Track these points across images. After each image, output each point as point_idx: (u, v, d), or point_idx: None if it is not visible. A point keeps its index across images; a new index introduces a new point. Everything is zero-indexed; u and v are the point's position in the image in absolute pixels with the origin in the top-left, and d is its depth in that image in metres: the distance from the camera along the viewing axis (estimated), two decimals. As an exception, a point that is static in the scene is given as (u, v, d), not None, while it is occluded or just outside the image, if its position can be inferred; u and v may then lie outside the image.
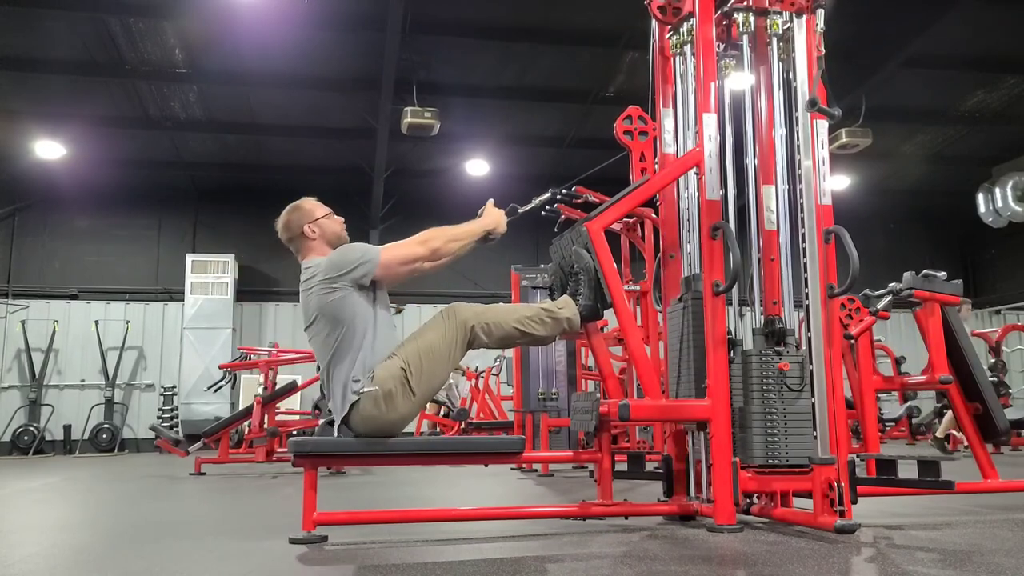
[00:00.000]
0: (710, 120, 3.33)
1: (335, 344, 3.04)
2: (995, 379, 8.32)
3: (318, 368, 3.23)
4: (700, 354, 3.23)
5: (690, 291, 3.40)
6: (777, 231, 3.41)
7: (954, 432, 8.10)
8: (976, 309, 15.55)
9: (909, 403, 10.11)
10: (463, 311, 3.15)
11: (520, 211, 3.54)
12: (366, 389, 2.96)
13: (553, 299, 3.48)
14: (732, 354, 3.24)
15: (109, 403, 12.50)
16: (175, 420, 12.31)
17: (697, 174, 3.42)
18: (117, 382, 12.71)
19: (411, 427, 3.21)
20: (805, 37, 3.36)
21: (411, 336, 3.13)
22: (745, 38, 3.47)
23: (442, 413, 10.72)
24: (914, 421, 10.33)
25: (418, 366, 3.02)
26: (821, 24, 3.34)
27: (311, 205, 3.28)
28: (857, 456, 3.48)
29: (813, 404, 3.12)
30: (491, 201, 3.40)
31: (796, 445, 3.16)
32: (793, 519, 3.10)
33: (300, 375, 10.02)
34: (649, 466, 3.98)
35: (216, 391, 9.80)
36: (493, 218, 3.32)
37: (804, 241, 3.22)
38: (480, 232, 3.29)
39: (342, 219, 3.32)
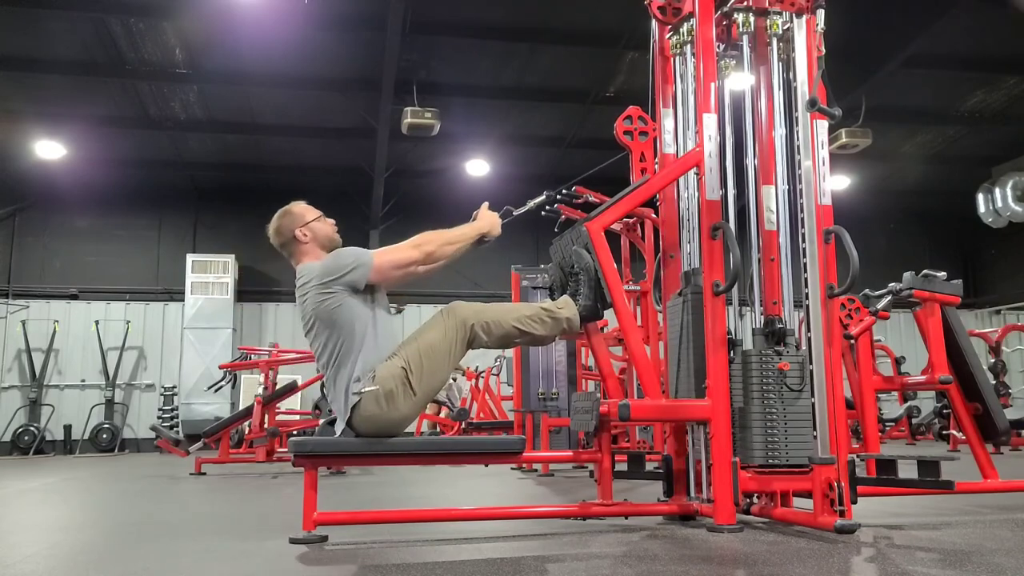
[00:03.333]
0: (710, 120, 3.33)
1: (335, 349, 3.04)
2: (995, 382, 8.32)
3: (319, 368, 3.23)
4: (700, 349, 3.23)
5: (690, 285, 3.41)
6: (777, 231, 3.41)
7: (954, 432, 8.11)
8: (976, 309, 15.56)
9: (909, 403, 10.12)
10: (463, 310, 3.15)
11: (515, 213, 3.54)
12: (367, 388, 2.96)
13: (553, 299, 3.48)
14: (732, 354, 3.24)
15: (109, 403, 12.50)
16: (175, 420, 12.32)
17: (697, 174, 3.42)
18: (117, 382, 12.71)
19: (411, 427, 3.20)
20: (805, 37, 3.36)
21: (411, 336, 3.13)
22: (745, 38, 3.47)
23: (443, 413, 10.72)
24: (914, 421, 10.33)
25: (419, 365, 3.02)
26: (821, 24, 3.34)
27: (301, 209, 3.26)
28: (857, 456, 3.49)
29: (813, 404, 3.12)
30: (485, 204, 3.40)
31: (796, 445, 3.16)
32: (793, 519, 3.10)
33: (300, 375, 10.02)
34: (649, 466, 3.98)
35: (216, 391, 9.79)
36: (487, 221, 3.32)
37: (804, 241, 3.22)
38: (475, 235, 3.28)
39: (333, 221, 3.30)
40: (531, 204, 3.73)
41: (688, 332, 3.33)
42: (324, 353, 3.09)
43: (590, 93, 10.62)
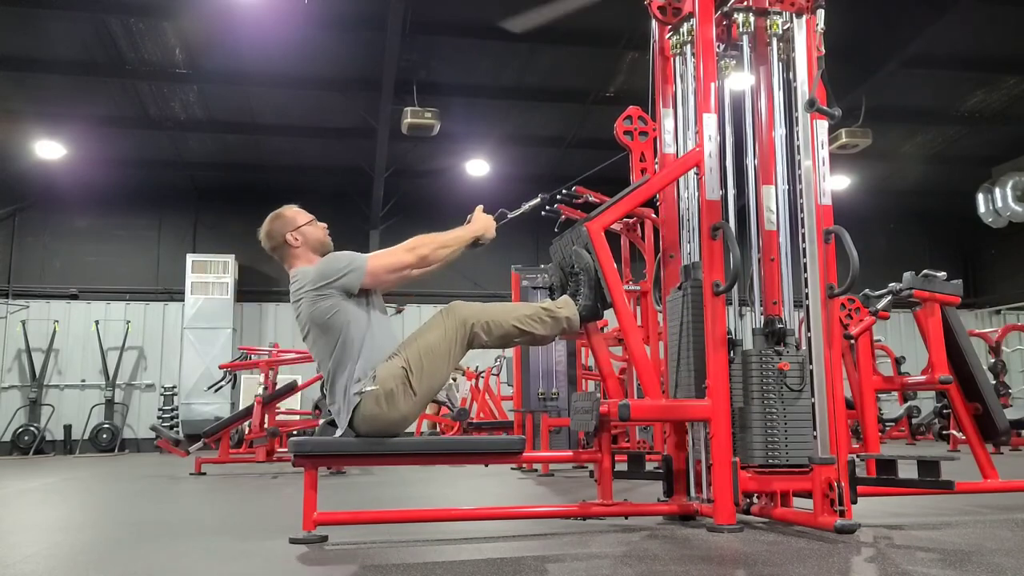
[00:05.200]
0: (710, 120, 3.33)
1: (333, 352, 3.04)
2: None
3: (318, 371, 3.23)
4: (700, 344, 3.23)
5: (689, 280, 3.40)
6: (777, 231, 3.41)
7: (954, 432, 8.11)
8: (976, 309, 15.56)
9: (909, 403, 10.12)
10: (463, 310, 3.14)
11: (509, 216, 3.53)
12: (368, 389, 2.96)
13: (553, 299, 3.48)
14: (732, 354, 3.24)
15: (109, 403, 12.51)
16: (175, 420, 12.32)
17: (697, 174, 3.42)
18: (117, 382, 12.72)
19: (411, 427, 3.20)
20: (805, 37, 3.36)
21: (411, 336, 3.13)
22: (745, 38, 3.47)
23: (443, 413, 10.72)
24: (914, 421, 10.33)
25: (419, 365, 3.02)
26: (821, 24, 3.35)
27: (292, 212, 3.25)
28: (857, 456, 3.48)
29: (813, 404, 3.12)
30: (480, 207, 3.39)
31: (796, 445, 3.16)
32: (793, 519, 3.10)
33: (300, 375, 10.02)
34: (649, 466, 3.98)
35: (216, 391, 9.80)
36: (482, 224, 3.31)
37: (804, 241, 3.22)
38: (469, 238, 3.27)
39: (325, 225, 3.28)
40: (526, 207, 3.71)
41: (688, 328, 3.33)
42: (322, 357, 3.09)
43: (590, 93, 10.62)
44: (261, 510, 4.38)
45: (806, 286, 3.19)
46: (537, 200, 3.78)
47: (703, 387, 3.17)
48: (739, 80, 3.58)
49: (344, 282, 3.03)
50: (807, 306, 3.19)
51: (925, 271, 4.12)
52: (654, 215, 4.73)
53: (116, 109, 10.69)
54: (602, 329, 3.61)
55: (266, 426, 7.46)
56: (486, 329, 3.13)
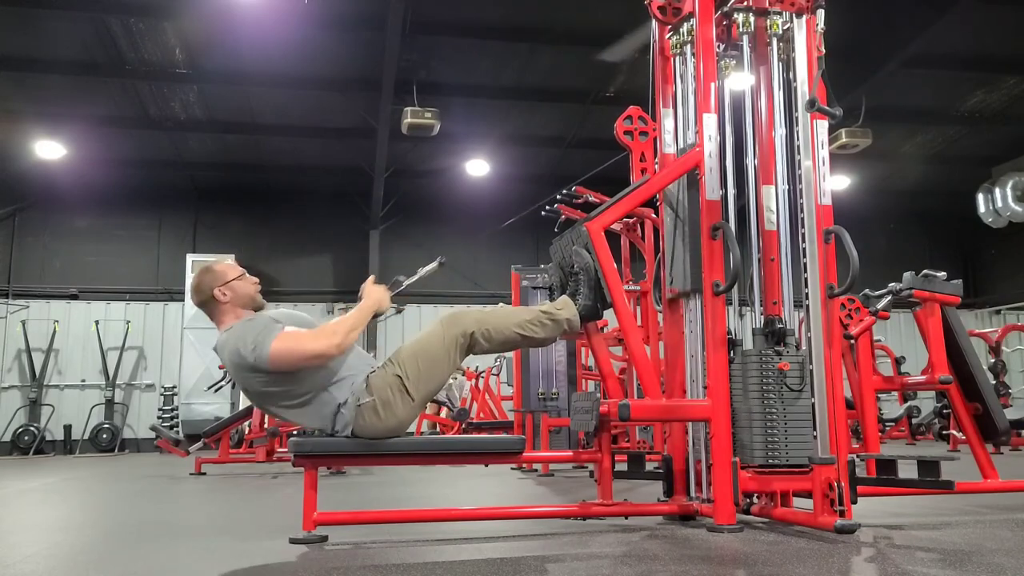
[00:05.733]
0: (710, 120, 3.33)
1: (304, 395, 2.96)
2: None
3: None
4: (695, 234, 3.27)
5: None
6: (777, 231, 3.41)
7: (954, 432, 8.11)
8: (976, 309, 15.56)
9: (909, 403, 10.12)
10: (463, 318, 3.13)
11: (404, 283, 3.43)
12: (363, 401, 2.95)
13: (553, 299, 3.48)
14: (732, 354, 3.24)
15: (109, 403, 12.51)
16: (175, 420, 12.31)
17: (697, 174, 3.42)
18: (117, 382, 12.71)
19: (411, 427, 3.20)
20: (805, 37, 3.36)
21: (408, 343, 3.12)
22: (745, 38, 3.47)
23: (443, 414, 10.72)
24: (914, 421, 10.33)
25: (415, 371, 3.01)
26: (821, 24, 3.35)
27: (222, 267, 3.13)
28: (857, 456, 3.49)
29: (813, 404, 3.12)
30: (371, 278, 3.25)
31: (796, 445, 3.16)
32: (793, 519, 3.10)
33: (300, 375, 10.01)
34: (649, 466, 3.98)
35: (216, 391, 9.80)
36: (374, 298, 3.14)
37: (804, 241, 3.22)
38: (370, 313, 3.12)
39: (256, 280, 3.16)
40: (422, 272, 3.53)
41: (685, 220, 3.36)
42: (302, 409, 2.99)
43: (590, 93, 10.62)
44: (261, 510, 4.38)
45: (806, 286, 3.19)
46: (434, 264, 3.61)
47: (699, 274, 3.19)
48: (739, 80, 3.58)
49: (255, 364, 2.88)
50: (807, 306, 3.19)
51: (925, 271, 4.12)
52: (654, 215, 4.73)
53: (116, 109, 10.69)
54: (602, 329, 3.61)
55: (266, 426, 7.46)
56: (487, 336, 3.12)
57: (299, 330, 3.00)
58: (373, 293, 3.17)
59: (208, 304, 3.09)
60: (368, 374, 3.02)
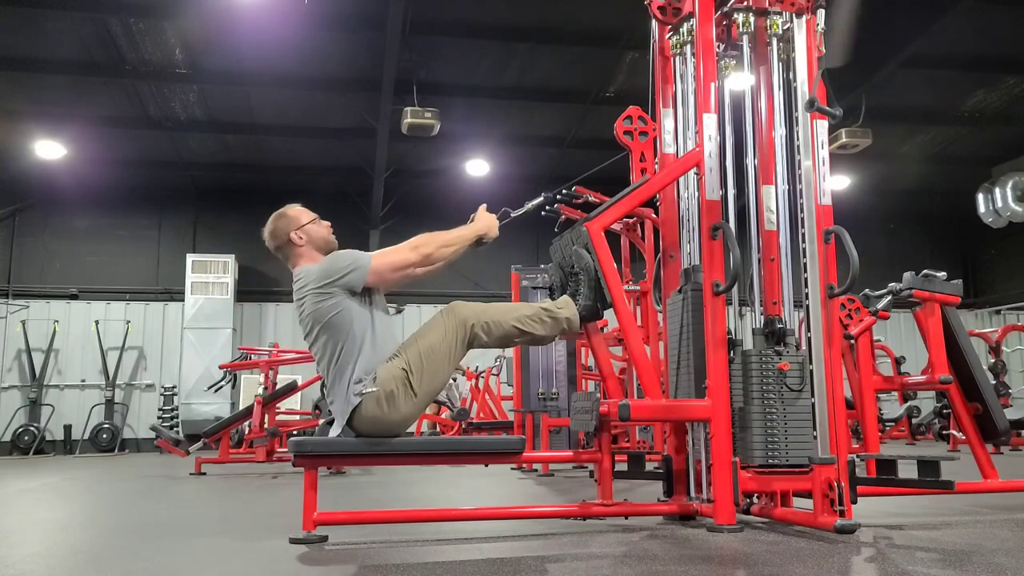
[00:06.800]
0: (710, 120, 3.33)
1: (335, 352, 3.04)
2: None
3: (319, 371, 3.23)
4: (700, 347, 3.23)
5: (689, 283, 3.41)
6: (777, 231, 3.41)
7: (954, 432, 8.11)
8: (976, 309, 15.57)
9: (909, 403, 10.12)
10: (463, 310, 3.15)
11: (513, 215, 3.55)
12: (368, 390, 2.96)
13: (553, 299, 3.48)
14: (732, 354, 3.24)
15: (109, 403, 12.50)
16: (175, 420, 12.32)
17: (697, 174, 3.43)
18: (117, 382, 12.71)
19: (411, 427, 3.20)
20: (805, 37, 3.36)
21: (412, 337, 3.13)
22: (745, 38, 3.47)
23: (443, 414, 10.72)
24: (914, 421, 10.34)
25: (419, 366, 3.02)
26: (821, 24, 3.35)
27: (296, 212, 3.26)
28: (857, 456, 3.48)
29: (813, 404, 3.13)
30: (483, 206, 3.40)
31: (796, 445, 3.17)
32: (793, 519, 3.10)
33: (300, 375, 10.03)
34: (649, 466, 3.98)
35: (216, 391, 9.80)
36: (485, 223, 3.32)
37: (804, 241, 3.22)
38: (472, 237, 3.28)
39: (329, 224, 3.29)
40: (529, 206, 3.73)
41: (688, 330, 3.33)
42: (324, 356, 3.08)
43: (590, 93, 10.62)
44: (261, 510, 4.38)
45: (806, 286, 3.19)
46: (540, 199, 3.80)
47: (703, 387, 3.17)
48: (739, 80, 3.59)
49: (347, 280, 3.03)
50: (807, 306, 3.19)
51: (925, 271, 4.12)
52: (654, 215, 4.72)
53: (116, 109, 10.69)
54: (602, 329, 3.61)
55: (266, 426, 7.47)
56: (486, 329, 3.13)
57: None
58: (484, 218, 3.32)
59: (284, 248, 3.23)
60: (377, 366, 3.03)
